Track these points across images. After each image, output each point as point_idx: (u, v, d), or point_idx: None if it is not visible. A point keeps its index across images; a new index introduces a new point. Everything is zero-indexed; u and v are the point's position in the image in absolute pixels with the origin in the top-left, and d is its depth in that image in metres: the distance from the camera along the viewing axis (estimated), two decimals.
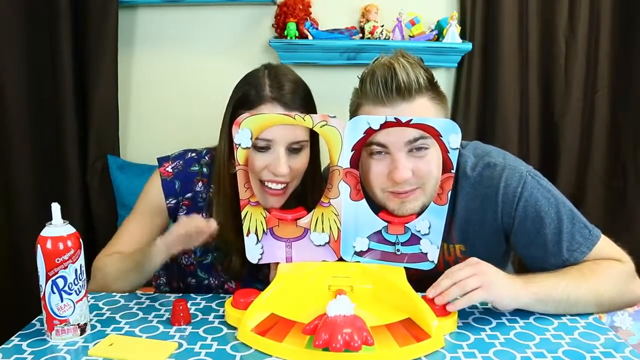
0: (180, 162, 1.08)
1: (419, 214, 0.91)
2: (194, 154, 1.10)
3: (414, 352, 0.75)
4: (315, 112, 1.00)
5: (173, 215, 1.08)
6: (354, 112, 0.98)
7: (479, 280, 0.82)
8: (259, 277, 1.08)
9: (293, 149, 0.96)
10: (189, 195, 1.07)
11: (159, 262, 0.96)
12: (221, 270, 1.09)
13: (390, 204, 0.94)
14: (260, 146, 0.94)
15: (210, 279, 1.11)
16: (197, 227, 0.88)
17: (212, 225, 0.88)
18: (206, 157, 1.09)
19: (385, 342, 0.75)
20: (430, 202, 0.89)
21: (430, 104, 0.93)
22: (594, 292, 0.88)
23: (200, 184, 1.08)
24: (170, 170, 1.07)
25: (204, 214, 1.08)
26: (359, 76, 0.98)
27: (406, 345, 0.75)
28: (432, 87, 0.94)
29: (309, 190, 1.03)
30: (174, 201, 1.07)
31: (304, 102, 0.99)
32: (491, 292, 0.82)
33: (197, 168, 1.08)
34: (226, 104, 1.02)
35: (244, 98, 0.98)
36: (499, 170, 0.98)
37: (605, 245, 0.95)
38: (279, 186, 0.97)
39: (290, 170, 0.96)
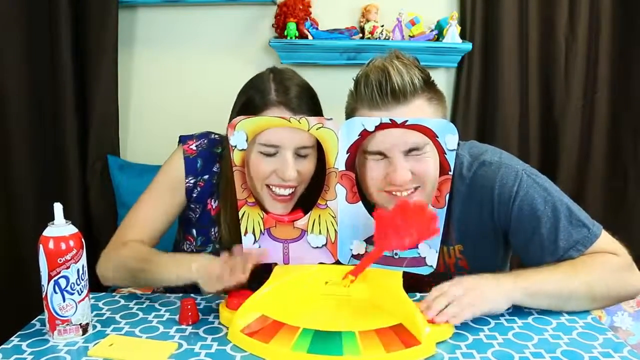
0: (205, 141, 1.07)
1: None
2: (217, 136, 1.09)
3: (401, 359, 0.74)
4: (322, 116, 0.99)
5: (189, 196, 1.06)
6: (349, 115, 0.98)
7: (472, 297, 0.81)
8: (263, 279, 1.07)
9: (300, 155, 0.95)
10: (206, 176, 1.06)
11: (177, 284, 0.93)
12: None
13: (389, 206, 0.93)
14: (268, 153, 0.93)
15: None
16: (233, 275, 0.85)
17: (247, 270, 0.85)
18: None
19: (373, 347, 0.74)
20: (429, 203, 0.89)
21: (426, 106, 0.93)
22: (586, 285, 0.87)
23: (217, 165, 1.07)
24: (194, 149, 1.06)
25: (212, 200, 1.07)
26: (354, 78, 0.97)
27: (393, 352, 0.74)
28: (428, 87, 0.93)
29: (317, 194, 1.00)
30: (192, 180, 1.05)
31: (310, 106, 0.98)
32: (488, 304, 0.82)
33: (219, 150, 1.07)
34: (231, 108, 1.02)
35: (249, 102, 0.97)
36: (494, 169, 0.97)
37: (601, 244, 0.93)
38: (287, 191, 0.96)
39: (298, 174, 0.95)
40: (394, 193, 0.92)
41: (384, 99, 0.90)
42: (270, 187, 0.96)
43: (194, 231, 1.10)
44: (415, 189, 0.92)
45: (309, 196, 0.99)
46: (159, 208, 1.05)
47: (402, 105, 0.90)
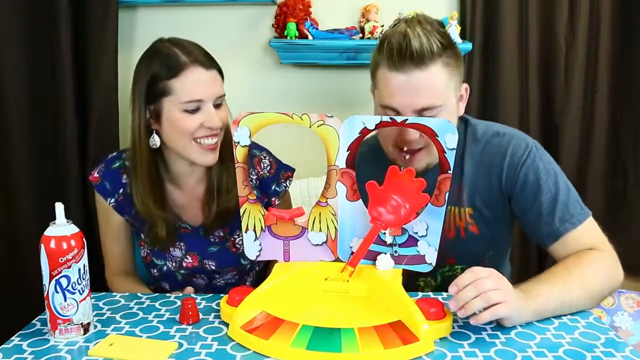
0: (102, 165, 1.18)
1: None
2: (114, 154, 1.19)
3: (399, 356, 0.74)
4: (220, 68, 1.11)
5: (121, 213, 1.15)
6: (373, 70, 1.03)
7: (503, 294, 0.79)
8: (209, 239, 1.15)
9: (217, 105, 1.07)
10: (121, 190, 1.14)
11: None
12: (151, 245, 1.15)
13: (398, 160, 1.01)
14: (192, 109, 1.04)
15: (167, 263, 1.16)
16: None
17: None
18: (126, 153, 1.16)
19: (371, 343, 0.74)
20: (435, 163, 0.93)
21: (443, 71, 0.97)
22: (585, 291, 0.89)
23: (124, 176, 1.15)
24: (97, 175, 1.16)
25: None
26: (379, 37, 1.05)
27: (391, 348, 0.74)
28: (445, 52, 0.98)
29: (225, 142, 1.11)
30: (113, 200, 1.16)
31: (211, 58, 1.10)
32: (512, 308, 0.80)
33: (119, 163, 1.17)
34: (131, 86, 1.09)
35: (162, 70, 1.05)
36: (507, 139, 1.04)
37: (591, 227, 0.99)
38: (214, 140, 1.07)
39: (221, 122, 1.07)
40: (402, 150, 0.99)
41: (403, 62, 0.95)
42: (198, 140, 1.05)
43: (141, 235, 1.18)
44: (420, 149, 0.99)
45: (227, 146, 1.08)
46: (114, 241, 1.19)
47: (419, 69, 0.95)
